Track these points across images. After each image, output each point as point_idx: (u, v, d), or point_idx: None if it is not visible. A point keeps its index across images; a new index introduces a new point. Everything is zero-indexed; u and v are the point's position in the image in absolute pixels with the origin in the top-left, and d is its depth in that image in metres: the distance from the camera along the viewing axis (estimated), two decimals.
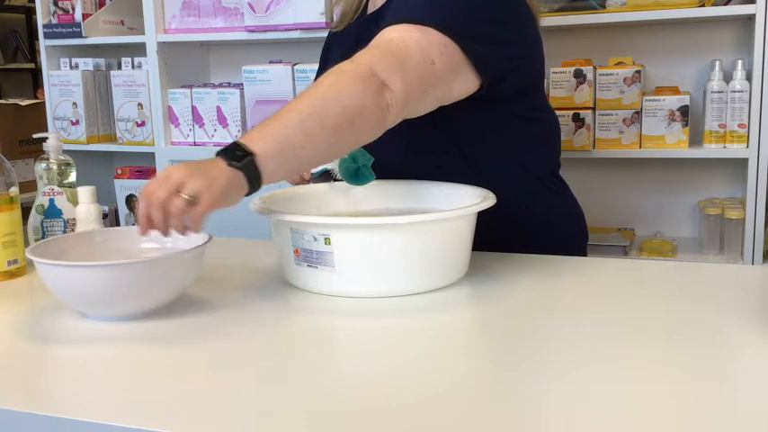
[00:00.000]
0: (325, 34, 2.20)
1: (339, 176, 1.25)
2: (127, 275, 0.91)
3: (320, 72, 1.47)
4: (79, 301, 0.95)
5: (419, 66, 1.07)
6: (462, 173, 1.21)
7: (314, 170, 1.28)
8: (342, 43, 1.36)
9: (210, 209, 0.92)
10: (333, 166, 1.26)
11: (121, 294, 0.93)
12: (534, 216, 1.29)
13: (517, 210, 1.26)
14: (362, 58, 1.05)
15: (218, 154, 0.94)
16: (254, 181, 0.94)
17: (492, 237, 1.19)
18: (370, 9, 1.34)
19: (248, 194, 0.96)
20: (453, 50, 1.10)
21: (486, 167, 1.24)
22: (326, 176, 1.29)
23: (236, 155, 0.93)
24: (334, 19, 1.92)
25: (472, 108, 1.18)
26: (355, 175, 1.23)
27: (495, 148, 1.25)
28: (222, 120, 2.40)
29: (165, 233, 0.93)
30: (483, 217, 1.09)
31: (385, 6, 1.28)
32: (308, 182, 1.31)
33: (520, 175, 1.27)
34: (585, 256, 1.33)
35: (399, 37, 1.09)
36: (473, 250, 1.10)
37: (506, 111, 1.24)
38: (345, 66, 1.04)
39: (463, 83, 1.15)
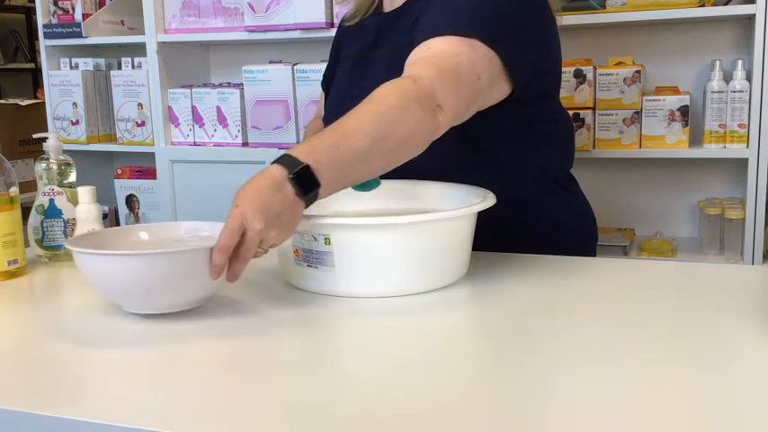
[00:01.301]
0: (325, 34, 2.23)
1: None
2: (175, 264, 0.90)
3: (331, 66, 1.47)
4: (119, 292, 0.94)
5: (468, 83, 1.09)
6: (481, 174, 1.21)
7: None
8: (359, 38, 1.36)
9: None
10: None
11: (164, 285, 0.91)
12: (549, 216, 1.30)
13: (533, 209, 1.28)
14: (424, 77, 1.03)
15: (294, 175, 0.90)
16: (306, 188, 0.92)
17: (507, 236, 1.21)
18: (387, 7, 1.34)
19: (307, 199, 0.95)
20: (495, 62, 1.12)
21: (505, 169, 1.26)
22: None
23: (306, 187, 0.91)
24: (334, 17, 1.91)
25: (495, 111, 1.19)
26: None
27: (515, 150, 1.27)
28: (222, 120, 2.40)
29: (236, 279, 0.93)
30: (497, 217, 1.10)
31: (407, 6, 1.28)
32: None
33: (538, 175, 1.29)
34: (595, 256, 1.34)
35: (453, 52, 1.08)
36: (487, 250, 1.10)
37: (528, 113, 1.26)
38: (408, 84, 1.02)
39: (499, 91, 1.17)
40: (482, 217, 1.08)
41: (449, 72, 1.06)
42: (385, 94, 1.01)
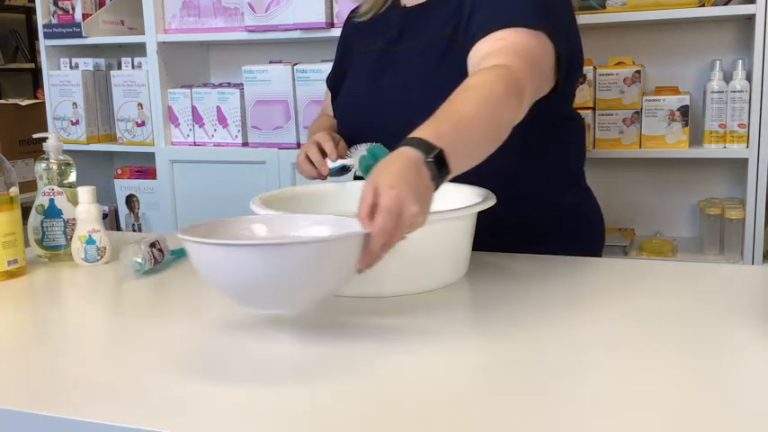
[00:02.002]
0: (325, 34, 2.23)
1: (358, 172, 1.25)
2: (299, 257, 0.79)
3: (340, 63, 1.46)
4: (252, 288, 0.82)
5: (539, 75, 1.13)
6: (510, 170, 1.21)
7: (332, 165, 1.28)
8: (380, 32, 1.36)
9: None
10: (351, 161, 1.26)
11: (309, 278, 0.80)
12: (572, 214, 1.33)
13: (558, 208, 1.30)
14: (515, 68, 1.06)
15: (434, 158, 0.88)
16: (443, 172, 0.91)
17: (529, 235, 1.22)
18: (410, 1, 1.34)
19: (438, 182, 0.92)
20: (552, 57, 1.16)
21: (534, 167, 1.26)
22: (343, 171, 1.29)
23: (441, 172, 0.89)
24: (334, 16, 1.91)
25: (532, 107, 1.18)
26: None
27: (542, 147, 1.28)
28: (222, 120, 2.40)
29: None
30: (524, 216, 1.16)
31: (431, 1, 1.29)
32: (325, 177, 1.30)
33: (562, 174, 1.32)
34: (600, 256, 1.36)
35: (527, 44, 1.11)
36: (508, 248, 1.11)
37: (557, 110, 1.28)
38: (505, 73, 1.04)
39: (548, 85, 1.19)
40: (507, 216, 1.10)
41: (528, 63, 1.09)
42: (490, 81, 1.02)
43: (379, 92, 1.31)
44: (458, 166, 0.92)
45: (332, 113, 1.51)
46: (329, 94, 1.54)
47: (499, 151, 1.11)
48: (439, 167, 0.88)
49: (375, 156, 1.22)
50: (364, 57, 1.39)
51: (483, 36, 1.14)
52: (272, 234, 0.94)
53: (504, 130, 1.02)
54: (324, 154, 1.29)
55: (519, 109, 1.04)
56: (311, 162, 1.30)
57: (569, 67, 1.21)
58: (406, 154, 0.88)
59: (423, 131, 0.91)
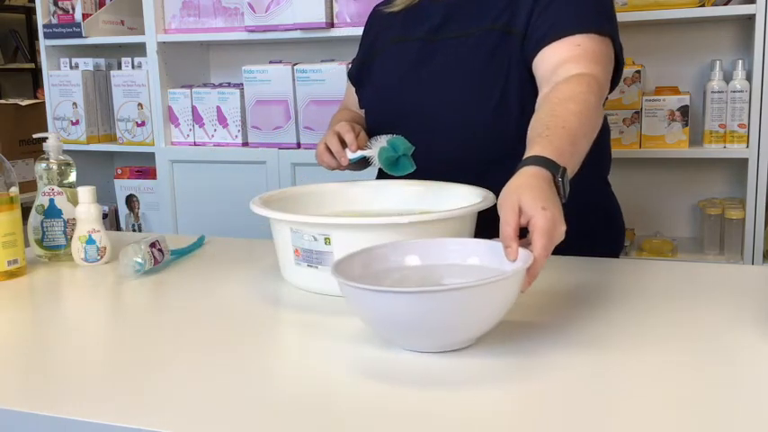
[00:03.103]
0: (325, 34, 2.23)
1: (378, 164, 1.24)
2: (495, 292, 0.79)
3: (367, 55, 1.43)
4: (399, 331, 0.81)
5: (608, 82, 1.18)
6: None
7: (351, 156, 1.26)
8: (420, 22, 1.34)
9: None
10: (371, 153, 1.25)
11: (476, 316, 0.79)
12: (605, 215, 1.35)
13: (591, 207, 1.30)
14: (600, 78, 1.13)
15: (561, 178, 0.92)
16: (563, 185, 0.94)
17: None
18: None
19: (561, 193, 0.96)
20: (613, 60, 1.21)
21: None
22: (362, 163, 1.29)
23: (566, 192, 0.93)
24: (334, 16, 1.89)
25: None
26: (395, 165, 1.23)
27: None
28: (222, 120, 2.40)
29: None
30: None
31: None
32: (344, 168, 1.29)
33: (597, 174, 1.33)
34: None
35: (601, 51, 1.17)
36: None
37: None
38: (594, 84, 1.10)
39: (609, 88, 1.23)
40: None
41: (606, 72, 1.16)
42: (584, 92, 1.08)
43: (419, 81, 1.29)
44: (570, 172, 0.97)
45: (354, 107, 1.49)
46: (351, 88, 1.51)
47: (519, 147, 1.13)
48: (564, 185, 0.93)
49: (395, 147, 1.22)
50: (398, 46, 1.36)
51: (556, 39, 1.17)
52: (426, 263, 0.93)
53: (593, 137, 1.08)
54: (344, 144, 1.27)
55: (602, 116, 1.12)
56: (331, 152, 1.28)
57: (620, 69, 1.25)
58: (539, 174, 0.91)
59: (544, 149, 0.95)
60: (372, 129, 1.34)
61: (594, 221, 1.30)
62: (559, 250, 1.20)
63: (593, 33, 1.17)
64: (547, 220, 0.84)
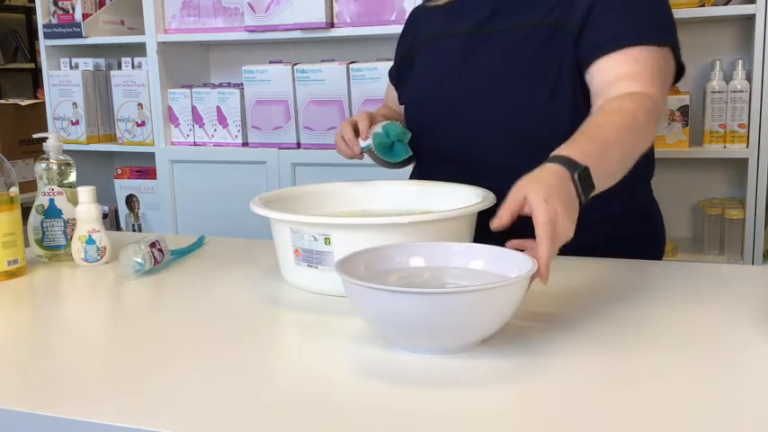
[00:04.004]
0: (325, 34, 2.23)
1: (373, 148, 1.25)
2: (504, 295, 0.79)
3: (408, 49, 1.41)
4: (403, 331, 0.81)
5: (667, 96, 1.20)
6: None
7: (363, 144, 1.27)
8: (467, 15, 1.32)
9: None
10: (370, 142, 1.26)
11: (481, 320, 0.79)
12: (654, 222, 1.33)
13: (634, 211, 1.30)
14: (658, 98, 1.13)
15: (579, 176, 0.93)
16: (587, 193, 0.95)
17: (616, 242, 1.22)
18: None
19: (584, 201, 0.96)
20: (673, 69, 1.21)
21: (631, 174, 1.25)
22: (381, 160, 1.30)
23: (585, 189, 0.93)
24: (334, 16, 1.87)
25: None
26: (390, 150, 1.23)
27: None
28: (222, 120, 2.40)
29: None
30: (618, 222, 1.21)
31: None
32: (359, 156, 1.30)
33: (645, 180, 1.32)
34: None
35: (660, 67, 1.16)
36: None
37: None
38: (649, 105, 1.10)
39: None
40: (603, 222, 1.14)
41: (664, 89, 1.16)
42: (633, 109, 1.08)
43: (460, 77, 1.26)
44: (599, 185, 0.96)
45: (393, 105, 1.48)
46: (392, 87, 1.50)
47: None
48: (583, 185, 0.92)
49: (388, 133, 1.23)
50: (442, 41, 1.34)
51: (614, 50, 1.15)
52: (430, 265, 0.92)
53: (638, 156, 1.08)
54: (358, 133, 1.28)
55: (653, 135, 1.12)
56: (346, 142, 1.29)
57: (681, 72, 1.24)
58: (553, 169, 0.91)
59: (568, 150, 0.95)
60: (417, 124, 1.32)
61: (636, 225, 1.29)
62: (601, 254, 1.19)
63: (654, 45, 1.16)
64: (545, 212, 0.84)
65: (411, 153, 1.25)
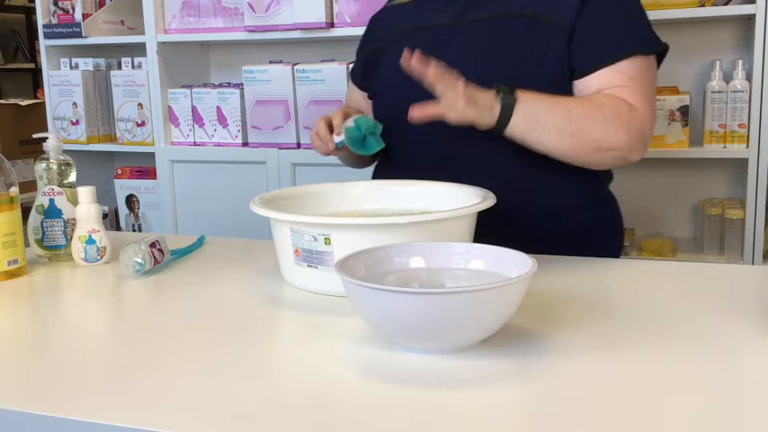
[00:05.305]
0: (325, 34, 2.23)
1: (346, 142, 1.26)
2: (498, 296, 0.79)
3: (376, 46, 1.41)
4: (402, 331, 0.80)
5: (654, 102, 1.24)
6: (569, 173, 1.24)
7: (337, 140, 1.28)
8: (443, 8, 1.32)
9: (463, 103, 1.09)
10: (343, 138, 1.26)
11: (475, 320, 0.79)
12: (616, 216, 1.37)
13: (608, 209, 1.35)
14: (639, 110, 1.18)
15: (504, 93, 1.12)
16: (503, 117, 1.12)
17: (554, 244, 1.23)
18: None
19: (489, 130, 1.13)
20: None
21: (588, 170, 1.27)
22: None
23: (506, 92, 1.12)
24: (334, 16, 1.86)
25: None
26: (362, 144, 1.24)
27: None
28: (222, 120, 2.40)
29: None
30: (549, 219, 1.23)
31: None
32: (335, 152, 1.31)
33: (607, 175, 1.35)
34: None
35: (647, 79, 1.21)
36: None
37: None
38: (625, 109, 1.17)
39: None
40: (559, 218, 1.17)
41: (652, 104, 1.21)
42: (603, 104, 1.16)
43: (446, 62, 1.21)
44: (518, 123, 1.12)
45: (356, 105, 1.49)
46: (354, 89, 1.50)
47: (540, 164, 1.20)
48: (503, 105, 1.11)
49: (360, 127, 1.24)
50: (416, 33, 1.34)
51: (605, 65, 1.19)
52: (431, 266, 0.92)
53: (591, 145, 1.16)
54: (332, 129, 1.30)
55: (632, 148, 1.18)
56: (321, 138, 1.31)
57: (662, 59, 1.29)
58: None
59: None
60: (386, 113, 1.33)
61: (600, 213, 1.33)
62: (568, 241, 1.23)
63: (640, 56, 1.20)
64: (460, 83, 1.09)
65: (384, 145, 1.26)
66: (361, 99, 1.48)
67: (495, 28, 1.26)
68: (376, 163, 1.43)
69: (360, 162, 1.45)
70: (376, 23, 1.47)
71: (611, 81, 1.19)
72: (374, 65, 1.41)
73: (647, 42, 1.22)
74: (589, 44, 1.20)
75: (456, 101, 1.09)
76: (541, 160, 1.20)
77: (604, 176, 1.34)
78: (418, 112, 1.12)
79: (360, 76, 1.47)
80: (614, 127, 1.15)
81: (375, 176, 1.41)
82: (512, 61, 1.24)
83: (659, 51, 1.24)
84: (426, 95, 1.14)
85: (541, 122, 1.14)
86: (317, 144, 1.32)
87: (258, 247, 1.31)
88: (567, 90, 1.22)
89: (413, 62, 1.09)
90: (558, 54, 1.21)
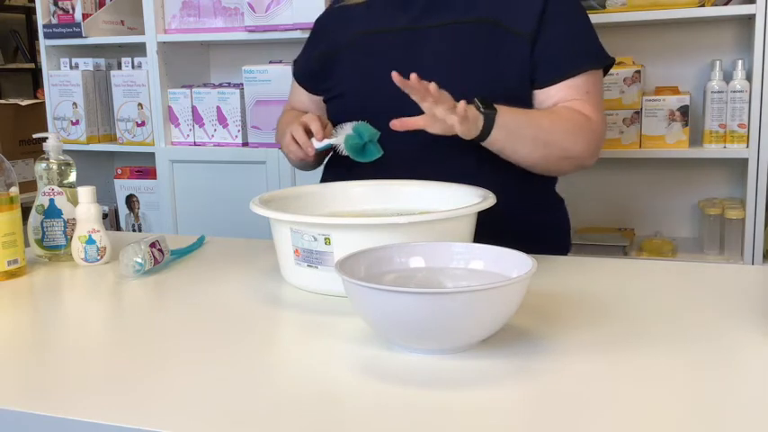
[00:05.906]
0: None
1: (345, 152, 1.25)
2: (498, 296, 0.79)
3: (327, 48, 1.39)
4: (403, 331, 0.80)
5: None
6: (514, 174, 1.27)
7: (317, 145, 1.27)
8: (400, 12, 1.32)
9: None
10: (338, 141, 1.26)
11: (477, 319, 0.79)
12: (562, 217, 1.41)
13: (556, 210, 1.40)
14: (595, 121, 1.26)
15: (485, 107, 1.16)
16: (485, 130, 1.15)
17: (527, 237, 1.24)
18: None
19: (474, 139, 1.16)
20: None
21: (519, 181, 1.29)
22: (326, 154, 1.30)
23: (485, 106, 1.15)
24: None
25: None
26: (362, 151, 1.24)
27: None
28: (222, 120, 2.40)
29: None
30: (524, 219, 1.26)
31: None
32: (311, 158, 1.30)
33: (541, 190, 1.37)
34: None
35: (599, 90, 1.31)
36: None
37: None
38: (584, 121, 1.25)
39: None
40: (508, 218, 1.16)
41: (604, 115, 1.30)
42: (565, 116, 1.24)
43: (409, 68, 1.18)
44: (498, 136, 1.16)
45: (302, 107, 1.48)
46: (298, 88, 1.49)
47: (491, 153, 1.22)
48: (486, 118, 1.14)
49: (360, 134, 1.23)
50: (375, 37, 1.33)
51: (564, 78, 1.26)
52: (431, 265, 0.92)
53: (559, 153, 1.24)
54: (309, 135, 1.28)
55: (589, 153, 1.26)
56: (297, 143, 1.29)
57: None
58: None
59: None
60: (344, 118, 1.30)
61: (552, 216, 1.40)
62: (527, 239, 1.24)
63: (595, 69, 1.29)
64: (451, 100, 1.11)
65: (382, 152, 1.25)
66: (307, 100, 1.48)
67: (454, 34, 1.27)
68: (324, 163, 1.43)
69: (308, 166, 1.43)
70: (325, 23, 1.46)
71: (570, 94, 1.26)
72: (329, 67, 1.39)
73: (599, 57, 1.31)
74: (550, 57, 1.25)
75: (450, 119, 1.11)
76: (504, 164, 1.24)
77: (555, 179, 1.41)
78: (399, 125, 1.14)
79: (309, 79, 1.46)
80: (577, 137, 1.23)
81: (324, 177, 1.41)
82: (472, 67, 1.25)
83: (605, 65, 1.32)
84: (394, 101, 1.15)
85: (518, 134, 1.19)
86: (293, 149, 1.30)
87: (258, 247, 1.31)
88: (526, 97, 1.27)
89: (412, 81, 1.08)
90: (520, 63, 1.25)
